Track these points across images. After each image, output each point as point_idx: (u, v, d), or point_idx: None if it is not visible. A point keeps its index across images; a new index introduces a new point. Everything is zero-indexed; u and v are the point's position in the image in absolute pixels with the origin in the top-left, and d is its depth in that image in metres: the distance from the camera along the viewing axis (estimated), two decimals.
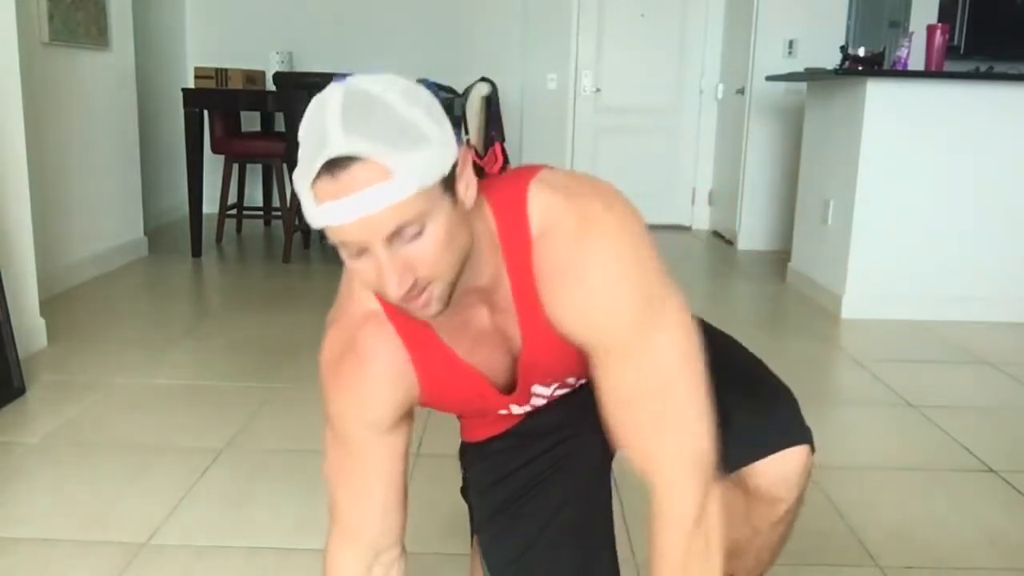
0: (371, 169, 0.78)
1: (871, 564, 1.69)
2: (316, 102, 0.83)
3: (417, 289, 0.85)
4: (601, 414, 0.98)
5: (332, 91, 0.82)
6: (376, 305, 1.00)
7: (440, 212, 0.83)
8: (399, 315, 0.98)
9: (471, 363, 1.03)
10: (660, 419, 0.95)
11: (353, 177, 0.78)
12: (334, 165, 0.78)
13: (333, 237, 0.83)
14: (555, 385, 1.12)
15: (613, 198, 0.95)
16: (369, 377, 1.00)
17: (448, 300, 0.88)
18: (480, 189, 0.92)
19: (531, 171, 0.98)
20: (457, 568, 1.64)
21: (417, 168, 0.80)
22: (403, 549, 1.14)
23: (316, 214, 0.81)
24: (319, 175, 0.79)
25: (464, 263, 0.89)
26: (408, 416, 1.07)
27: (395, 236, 0.81)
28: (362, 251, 0.83)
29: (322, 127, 0.80)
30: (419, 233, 0.82)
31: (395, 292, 0.84)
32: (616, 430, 0.98)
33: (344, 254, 0.85)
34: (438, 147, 0.82)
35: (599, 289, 0.91)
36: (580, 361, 1.02)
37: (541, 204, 0.94)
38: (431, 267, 0.84)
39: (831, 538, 1.78)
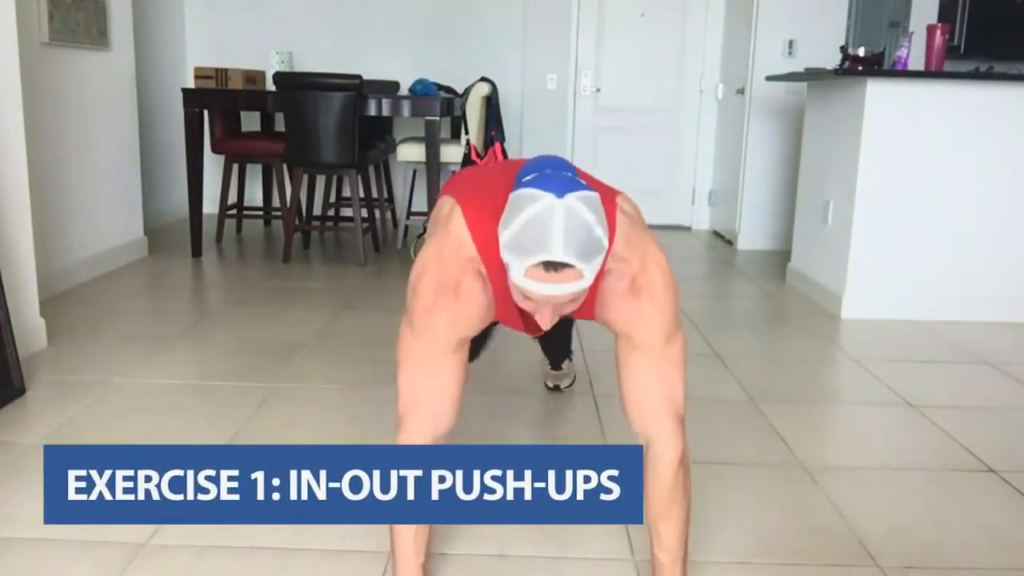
0: (573, 273, 1.21)
1: (871, 564, 1.69)
2: (542, 209, 1.20)
3: None
4: (619, 384, 1.46)
5: (556, 206, 1.20)
6: (474, 254, 1.37)
7: (586, 292, 1.28)
8: (493, 271, 1.37)
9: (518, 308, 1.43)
10: (663, 395, 1.42)
11: (560, 275, 1.21)
12: (550, 265, 1.20)
13: (522, 290, 1.24)
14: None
15: (658, 246, 1.43)
16: (466, 307, 1.39)
17: None
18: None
19: (615, 194, 1.43)
20: (457, 568, 1.64)
21: (595, 269, 1.24)
22: None
23: (522, 280, 1.23)
24: (536, 265, 1.21)
25: None
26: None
27: (563, 305, 1.27)
28: (534, 303, 1.26)
29: (548, 234, 1.19)
30: (575, 303, 1.29)
31: (544, 326, 1.29)
32: (628, 396, 1.44)
33: (517, 293, 1.27)
34: (602, 258, 1.25)
35: (648, 308, 1.39)
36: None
37: (621, 233, 1.37)
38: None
39: (831, 538, 1.78)
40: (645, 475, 1.43)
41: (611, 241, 1.35)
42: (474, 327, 1.43)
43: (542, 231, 1.20)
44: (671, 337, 1.42)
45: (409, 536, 1.46)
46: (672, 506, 1.45)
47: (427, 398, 1.42)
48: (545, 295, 1.23)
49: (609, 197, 1.40)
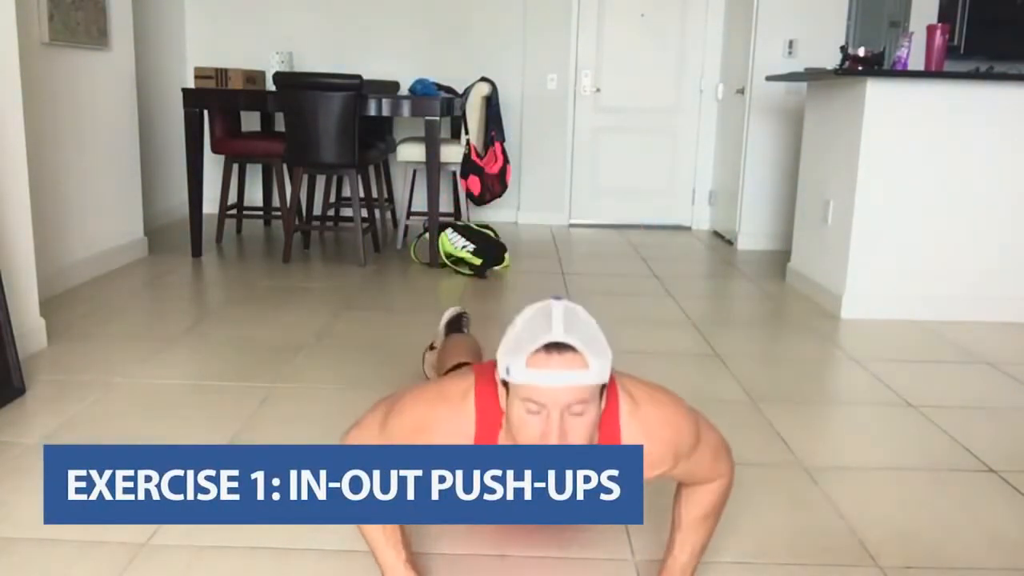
0: (578, 359, 1.17)
1: (871, 564, 1.69)
2: (540, 306, 1.24)
3: None
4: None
5: (555, 303, 1.23)
6: (471, 407, 1.34)
7: (595, 406, 1.22)
8: (481, 431, 1.34)
9: None
10: (712, 458, 1.45)
11: (564, 359, 1.17)
12: (553, 347, 1.16)
13: (526, 392, 1.19)
14: None
15: (663, 391, 1.42)
16: (438, 437, 1.35)
17: None
18: None
19: (615, 378, 1.36)
20: (457, 568, 1.64)
21: (600, 369, 1.19)
22: None
23: (525, 374, 1.18)
24: (538, 350, 1.17)
25: None
26: None
27: (569, 407, 1.18)
28: (539, 409, 1.19)
29: (548, 321, 1.19)
30: (582, 413, 1.20)
31: (552, 440, 1.19)
32: (683, 477, 1.46)
33: (521, 407, 1.21)
34: (607, 363, 1.21)
35: (671, 435, 1.36)
36: None
37: (621, 385, 1.35)
38: (579, 441, 1.22)
39: (831, 538, 1.78)
40: (690, 491, 1.48)
41: (615, 391, 1.34)
42: None
43: (543, 321, 1.19)
44: (699, 433, 1.41)
45: (380, 537, 1.46)
46: (709, 518, 1.51)
47: None
48: (550, 384, 1.17)
49: (612, 384, 1.39)
